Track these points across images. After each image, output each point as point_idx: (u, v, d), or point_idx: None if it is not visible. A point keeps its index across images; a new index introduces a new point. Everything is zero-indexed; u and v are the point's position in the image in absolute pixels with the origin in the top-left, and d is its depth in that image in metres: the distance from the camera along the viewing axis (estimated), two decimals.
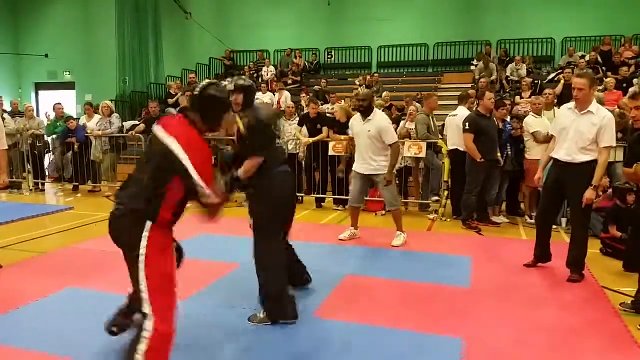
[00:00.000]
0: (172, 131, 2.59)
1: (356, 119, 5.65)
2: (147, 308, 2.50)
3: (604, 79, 10.62)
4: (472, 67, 13.59)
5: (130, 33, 15.42)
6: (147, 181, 2.58)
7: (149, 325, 2.47)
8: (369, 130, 5.38)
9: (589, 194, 4.23)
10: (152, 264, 2.56)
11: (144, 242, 2.57)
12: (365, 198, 7.53)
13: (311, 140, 7.82)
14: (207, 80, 2.95)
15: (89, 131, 9.25)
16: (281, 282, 3.47)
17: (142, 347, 2.45)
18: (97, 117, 9.53)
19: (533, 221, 6.43)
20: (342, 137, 7.48)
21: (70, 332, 3.33)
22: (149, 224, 2.59)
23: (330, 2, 16.16)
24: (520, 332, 3.39)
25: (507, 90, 11.90)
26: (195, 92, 2.77)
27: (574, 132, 4.30)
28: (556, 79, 11.78)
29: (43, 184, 9.78)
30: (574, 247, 4.47)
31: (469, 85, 12.22)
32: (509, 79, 12.60)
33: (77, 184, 9.40)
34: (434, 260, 5.06)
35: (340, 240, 5.78)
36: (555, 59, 14.56)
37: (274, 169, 3.50)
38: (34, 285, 4.20)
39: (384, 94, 11.26)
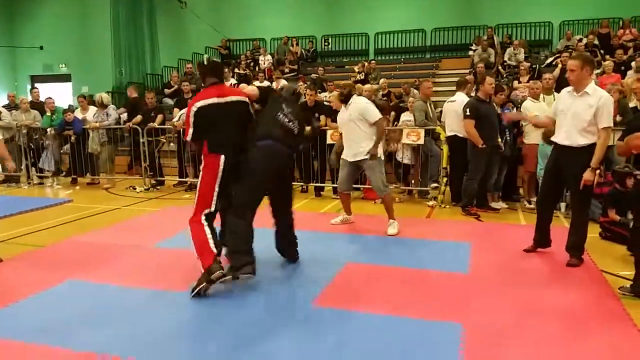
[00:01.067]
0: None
1: (341, 110, 5.74)
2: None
3: (602, 62, 10.57)
4: (470, 52, 13.51)
5: (125, 24, 15.32)
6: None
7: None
8: (351, 114, 5.48)
9: (588, 175, 4.20)
10: None
11: None
12: (364, 186, 7.57)
13: (308, 128, 7.77)
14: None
15: (86, 124, 9.20)
16: (243, 243, 3.87)
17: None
18: (92, 109, 9.48)
19: (532, 206, 6.45)
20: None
21: (71, 324, 3.33)
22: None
23: None
24: (519, 317, 3.40)
25: (504, 75, 11.84)
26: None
27: (571, 114, 4.27)
28: (554, 62, 11.71)
29: (41, 177, 9.77)
30: (574, 231, 4.47)
31: (467, 71, 12.18)
32: (505, 63, 12.53)
33: (75, 176, 9.38)
34: (433, 247, 5.07)
35: (332, 224, 5.88)
36: (552, 42, 14.48)
37: (257, 141, 4.03)
38: (33, 279, 4.20)
39: (381, 80, 11.21)
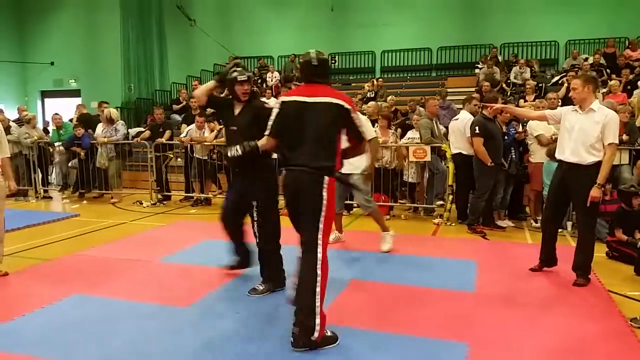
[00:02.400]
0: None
1: None
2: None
3: (609, 81, 10.59)
4: (476, 71, 13.59)
5: (134, 40, 15.55)
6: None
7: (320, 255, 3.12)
8: None
9: (595, 191, 4.21)
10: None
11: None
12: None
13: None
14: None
15: (94, 138, 9.30)
16: None
17: (320, 272, 3.11)
18: (101, 124, 9.58)
19: (538, 225, 6.42)
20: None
21: (77, 339, 3.34)
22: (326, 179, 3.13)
23: (333, 7, 16.23)
24: (525, 337, 3.37)
25: (509, 94, 11.88)
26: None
27: (577, 131, 4.30)
28: (560, 81, 11.76)
29: (46, 191, 9.81)
30: (580, 250, 4.45)
31: (473, 89, 12.22)
32: (509, 81, 12.58)
33: (82, 191, 9.44)
34: (439, 265, 5.05)
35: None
36: (559, 61, 14.55)
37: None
38: (40, 292, 4.22)
39: (389, 97, 11.26)
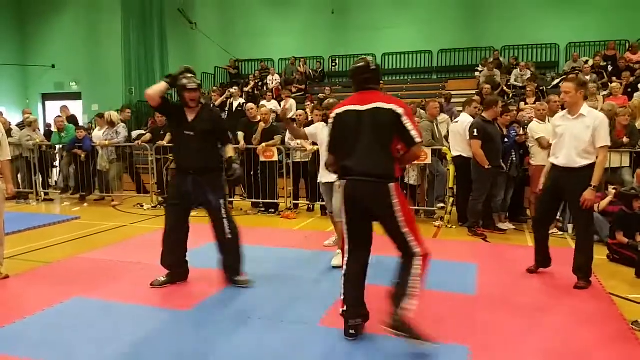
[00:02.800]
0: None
1: (319, 128, 5.18)
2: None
3: (609, 83, 10.60)
4: (477, 74, 13.60)
5: (136, 43, 15.58)
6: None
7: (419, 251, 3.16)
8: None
9: (589, 194, 4.24)
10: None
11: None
12: None
13: (316, 147, 7.84)
14: None
15: (95, 140, 9.31)
16: None
17: (419, 266, 3.17)
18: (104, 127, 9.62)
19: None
20: None
21: (77, 341, 3.34)
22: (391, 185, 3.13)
23: (334, 10, 16.27)
24: (527, 340, 3.36)
25: (511, 96, 11.88)
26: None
27: (569, 136, 4.35)
28: (560, 84, 11.75)
29: (47, 194, 9.83)
30: (579, 253, 4.45)
31: (474, 92, 12.23)
32: (510, 83, 12.59)
33: (83, 193, 9.45)
34: (440, 268, 5.01)
35: (325, 246, 5.71)
36: (559, 64, 14.56)
37: None
38: (40, 295, 4.22)
39: None
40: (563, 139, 4.40)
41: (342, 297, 3.36)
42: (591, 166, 4.26)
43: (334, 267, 4.89)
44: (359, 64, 3.34)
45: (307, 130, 5.42)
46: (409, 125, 3.14)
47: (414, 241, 3.18)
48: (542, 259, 4.76)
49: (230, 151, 4.48)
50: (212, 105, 9.73)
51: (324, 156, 5.23)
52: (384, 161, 3.15)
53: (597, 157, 4.27)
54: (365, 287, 3.44)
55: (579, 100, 4.34)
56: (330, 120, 3.37)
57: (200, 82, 14.77)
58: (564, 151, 4.38)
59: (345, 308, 3.34)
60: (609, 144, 4.30)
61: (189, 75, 4.30)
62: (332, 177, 5.25)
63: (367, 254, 3.46)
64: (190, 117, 4.32)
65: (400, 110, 3.15)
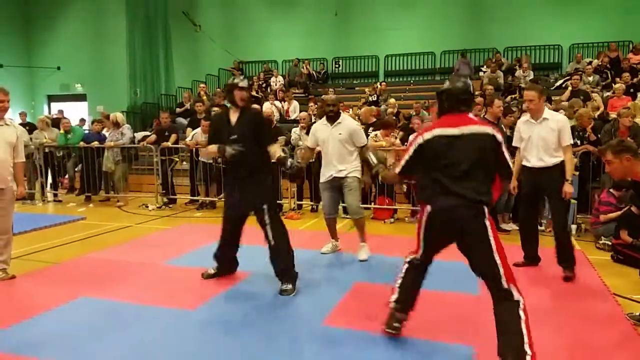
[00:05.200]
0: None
1: (320, 126, 5.47)
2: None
3: (613, 84, 10.58)
4: (480, 74, 13.60)
5: (140, 45, 15.65)
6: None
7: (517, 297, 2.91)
8: (340, 134, 5.27)
9: (567, 187, 4.57)
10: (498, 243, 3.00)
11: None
12: (374, 206, 7.59)
13: (319, 148, 7.86)
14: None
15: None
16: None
17: (523, 315, 2.87)
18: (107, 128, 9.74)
19: (542, 228, 6.42)
20: None
21: (84, 341, 3.37)
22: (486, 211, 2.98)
23: (337, 12, 16.30)
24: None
25: (516, 97, 11.87)
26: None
27: (536, 138, 4.68)
28: (563, 85, 11.75)
29: (55, 195, 9.90)
30: (561, 248, 4.69)
31: (477, 93, 12.23)
32: (518, 85, 12.58)
33: (89, 194, 9.51)
34: (443, 268, 4.98)
35: (322, 253, 5.59)
36: (562, 65, 14.54)
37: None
38: (47, 295, 4.26)
39: (390, 100, 11.27)
40: (531, 142, 4.72)
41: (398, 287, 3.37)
42: (562, 163, 4.62)
43: (361, 261, 5.26)
44: (456, 84, 3.17)
45: (309, 139, 5.67)
46: (505, 155, 3.06)
47: (505, 277, 2.98)
48: (530, 256, 5.01)
49: (277, 150, 4.43)
50: (215, 106, 9.79)
51: (326, 153, 5.39)
52: (484, 187, 3.02)
53: (564, 154, 4.62)
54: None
55: (542, 107, 4.70)
56: (416, 144, 3.11)
57: (205, 83, 14.89)
58: (534, 153, 4.71)
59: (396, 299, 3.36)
60: (572, 142, 4.71)
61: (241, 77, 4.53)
62: (326, 174, 5.41)
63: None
64: (234, 120, 4.36)
65: (500, 139, 3.04)
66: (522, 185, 4.96)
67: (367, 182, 6.85)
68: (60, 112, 13.34)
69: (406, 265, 3.41)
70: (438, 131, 3.04)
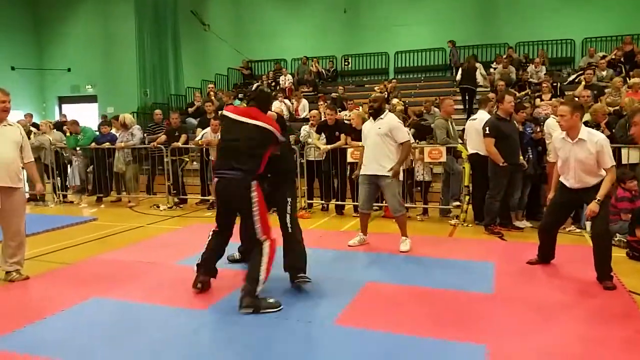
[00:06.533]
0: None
1: (367, 122, 5.74)
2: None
3: (627, 78, 10.41)
4: (491, 70, 13.49)
5: (150, 46, 15.73)
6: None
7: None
8: (379, 128, 5.40)
9: (593, 206, 4.24)
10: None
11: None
12: (385, 204, 7.53)
13: (329, 147, 7.85)
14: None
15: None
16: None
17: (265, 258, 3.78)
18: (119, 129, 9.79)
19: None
20: (360, 143, 7.47)
21: (96, 341, 3.38)
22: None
23: (346, 9, 16.25)
24: (545, 339, 3.32)
25: (527, 93, 11.75)
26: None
27: (574, 161, 4.36)
28: (576, 80, 11.60)
29: (65, 196, 9.95)
30: (598, 258, 4.36)
31: (488, 89, 12.13)
32: (525, 78, 12.45)
33: (100, 195, 9.57)
34: (456, 266, 5.01)
35: (349, 246, 5.74)
36: (575, 60, 14.38)
37: None
38: (60, 296, 4.27)
39: (394, 100, 11.19)
40: (568, 162, 4.41)
41: None
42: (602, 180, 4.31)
43: (402, 252, 5.45)
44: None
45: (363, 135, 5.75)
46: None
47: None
48: (544, 257, 4.89)
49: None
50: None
51: (367, 147, 5.56)
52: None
53: (607, 175, 4.29)
54: None
55: (576, 124, 4.32)
56: None
57: (214, 83, 14.96)
58: (571, 174, 4.40)
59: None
60: (614, 163, 4.32)
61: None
62: (365, 169, 5.40)
63: None
64: None
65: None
66: (556, 194, 4.67)
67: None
68: (64, 116, 13.52)
69: None
70: None
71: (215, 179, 4.00)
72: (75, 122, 10.01)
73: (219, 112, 9.62)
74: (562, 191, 4.56)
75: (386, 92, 12.70)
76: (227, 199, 3.98)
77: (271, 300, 3.82)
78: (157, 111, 10.38)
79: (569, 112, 4.29)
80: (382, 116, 5.48)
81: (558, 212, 4.70)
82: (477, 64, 12.44)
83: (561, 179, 4.56)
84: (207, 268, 4.30)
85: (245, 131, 3.88)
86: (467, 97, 12.01)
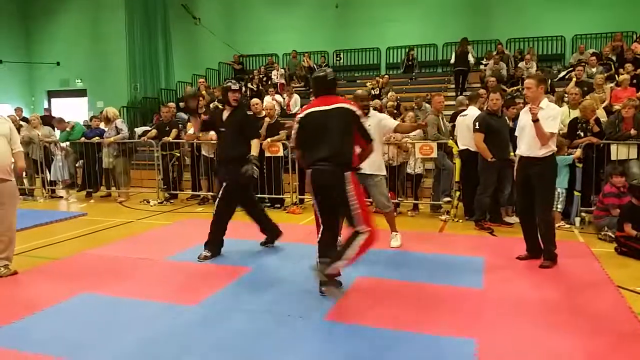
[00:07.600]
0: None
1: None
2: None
3: (616, 75, 10.50)
4: (482, 67, 13.52)
5: (140, 39, 15.58)
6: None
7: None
8: (369, 125, 5.27)
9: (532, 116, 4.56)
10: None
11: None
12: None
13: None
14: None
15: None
16: None
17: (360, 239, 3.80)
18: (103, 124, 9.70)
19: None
20: None
21: (84, 337, 3.36)
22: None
23: (338, 4, 16.21)
24: (535, 333, 3.35)
25: (518, 89, 11.80)
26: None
27: (530, 128, 4.66)
28: (567, 76, 11.67)
29: (53, 191, 9.85)
30: (545, 240, 4.76)
31: (479, 85, 12.17)
32: (523, 77, 12.50)
33: (90, 190, 9.49)
34: (446, 262, 5.03)
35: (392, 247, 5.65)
36: (565, 56, 14.46)
37: None
38: (49, 291, 4.25)
39: (389, 94, 11.20)
40: (525, 131, 4.74)
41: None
42: (550, 157, 4.66)
43: (392, 248, 5.51)
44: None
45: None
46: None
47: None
48: (532, 248, 4.97)
49: (253, 148, 5.06)
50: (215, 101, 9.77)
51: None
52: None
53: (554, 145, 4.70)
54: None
55: (539, 95, 4.68)
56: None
57: (205, 77, 14.84)
58: (525, 141, 4.73)
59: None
60: (554, 131, 4.64)
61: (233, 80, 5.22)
62: (370, 169, 5.34)
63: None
64: (225, 115, 5.13)
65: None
66: (515, 175, 4.96)
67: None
68: (48, 110, 13.32)
69: None
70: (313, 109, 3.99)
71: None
72: (61, 120, 9.93)
73: (210, 105, 9.61)
74: (518, 171, 4.88)
75: (378, 88, 12.71)
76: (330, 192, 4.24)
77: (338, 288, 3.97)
78: (171, 104, 9.99)
79: (534, 85, 4.66)
80: (369, 114, 5.42)
81: (523, 192, 4.89)
82: (469, 47, 13.10)
83: (516, 150, 4.91)
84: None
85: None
86: (460, 79, 12.89)
